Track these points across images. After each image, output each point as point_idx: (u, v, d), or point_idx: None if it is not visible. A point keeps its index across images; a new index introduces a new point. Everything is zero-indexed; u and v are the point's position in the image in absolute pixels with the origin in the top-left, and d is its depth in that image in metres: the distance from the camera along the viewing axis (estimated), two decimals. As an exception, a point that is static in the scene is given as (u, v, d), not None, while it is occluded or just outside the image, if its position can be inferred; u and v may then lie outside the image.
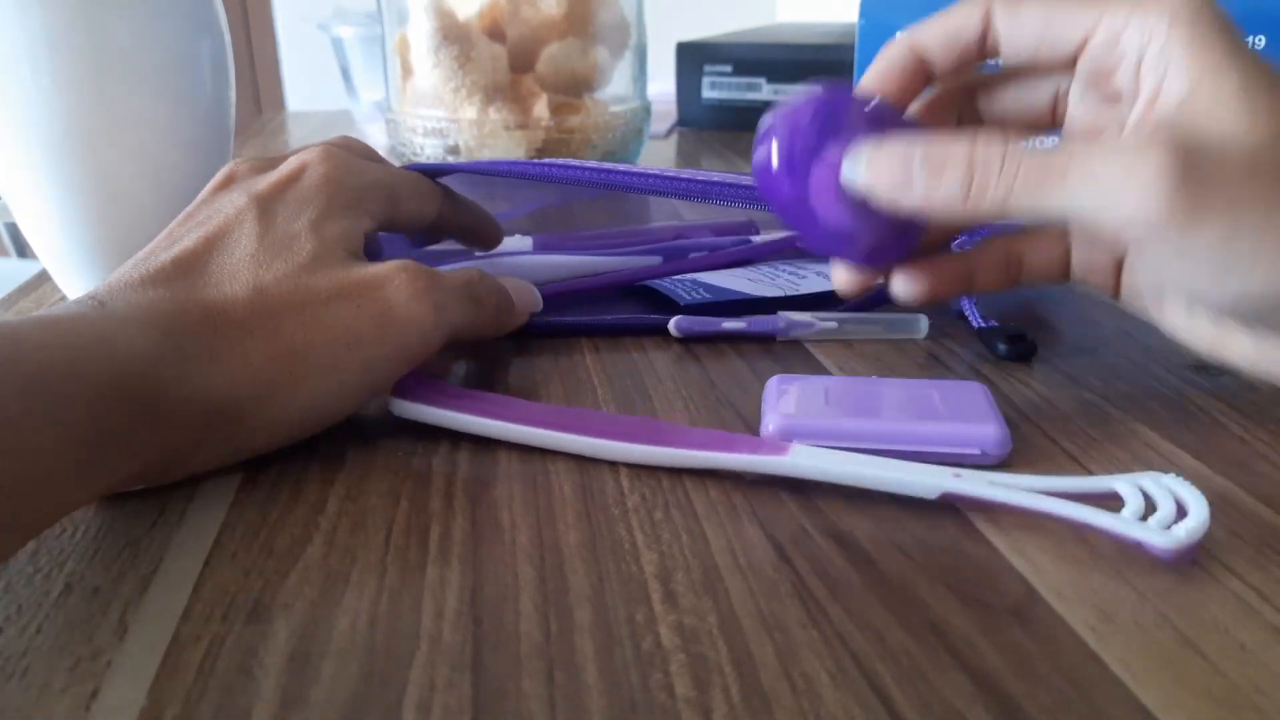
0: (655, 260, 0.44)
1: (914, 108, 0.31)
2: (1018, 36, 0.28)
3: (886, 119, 0.29)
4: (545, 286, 0.38)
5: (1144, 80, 0.26)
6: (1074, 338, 0.38)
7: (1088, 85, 0.29)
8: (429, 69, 0.64)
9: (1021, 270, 0.32)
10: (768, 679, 0.20)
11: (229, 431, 0.27)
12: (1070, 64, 0.28)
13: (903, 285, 0.31)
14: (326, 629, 0.21)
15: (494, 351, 0.37)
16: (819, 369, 0.35)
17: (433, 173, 0.37)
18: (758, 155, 0.29)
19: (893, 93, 0.30)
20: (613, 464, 0.28)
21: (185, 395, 0.25)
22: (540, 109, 0.64)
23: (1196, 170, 0.23)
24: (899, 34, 0.30)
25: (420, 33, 0.64)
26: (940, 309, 0.40)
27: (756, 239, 0.47)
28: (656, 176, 0.36)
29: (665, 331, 0.37)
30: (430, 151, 0.66)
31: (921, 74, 0.30)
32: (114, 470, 0.24)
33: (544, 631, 0.21)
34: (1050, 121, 0.31)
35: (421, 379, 0.31)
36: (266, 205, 0.30)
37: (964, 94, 0.32)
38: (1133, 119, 0.27)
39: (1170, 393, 0.33)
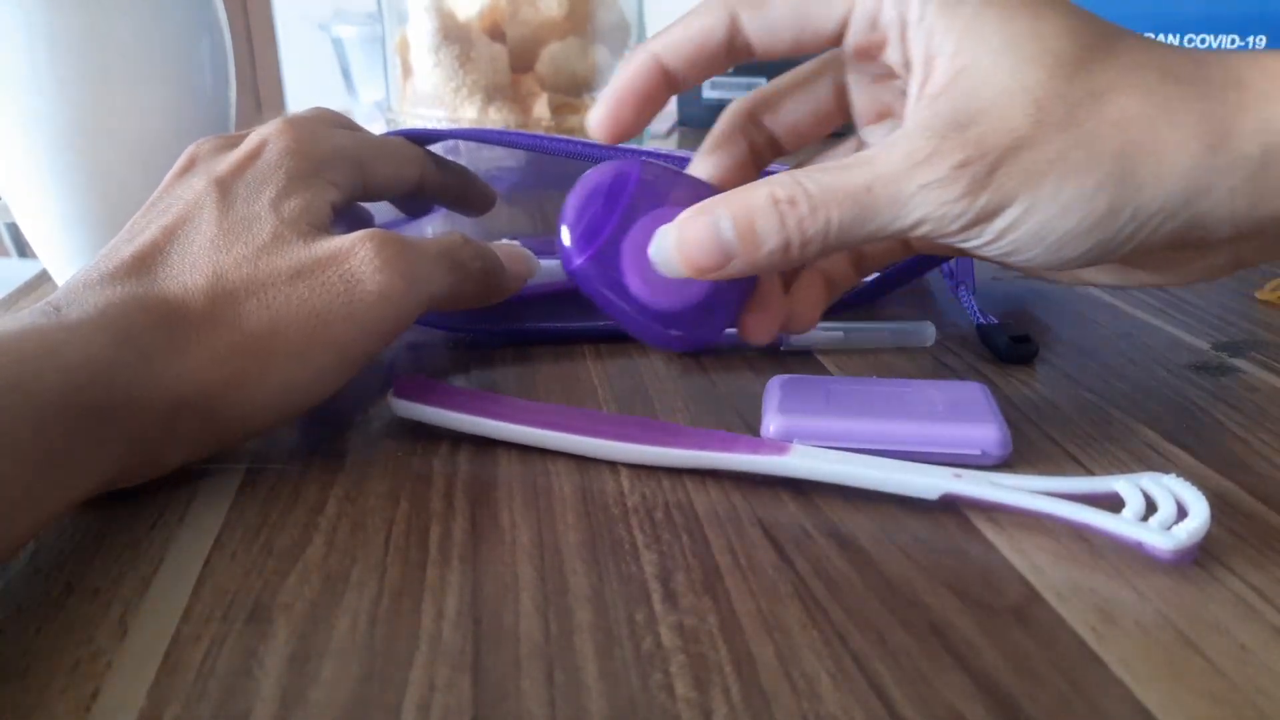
0: None
1: (705, 145, 0.30)
2: (770, 31, 0.26)
3: (674, 185, 0.28)
4: (532, 289, 0.37)
5: (912, 53, 0.25)
6: (1074, 338, 0.38)
7: (860, 68, 0.27)
8: (429, 69, 0.64)
9: (864, 259, 0.31)
10: (768, 679, 0.20)
11: (201, 424, 0.26)
12: (836, 41, 0.26)
13: (761, 327, 0.29)
14: (326, 629, 0.21)
15: (494, 353, 0.37)
16: (820, 369, 0.35)
17: (420, 139, 0.37)
18: (560, 249, 0.27)
19: (635, 104, 0.28)
20: (613, 464, 0.28)
21: (148, 394, 0.25)
22: (540, 109, 0.64)
23: (985, 150, 0.23)
24: (640, 45, 0.28)
25: (420, 33, 0.63)
26: (941, 311, 0.40)
27: None
28: (652, 155, 0.35)
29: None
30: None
31: (666, 84, 0.28)
32: (75, 484, 0.23)
33: (544, 631, 0.21)
34: (842, 117, 0.30)
35: (421, 379, 0.31)
36: (226, 188, 0.29)
37: (748, 118, 0.30)
38: (911, 95, 0.25)
39: (1171, 393, 0.33)
